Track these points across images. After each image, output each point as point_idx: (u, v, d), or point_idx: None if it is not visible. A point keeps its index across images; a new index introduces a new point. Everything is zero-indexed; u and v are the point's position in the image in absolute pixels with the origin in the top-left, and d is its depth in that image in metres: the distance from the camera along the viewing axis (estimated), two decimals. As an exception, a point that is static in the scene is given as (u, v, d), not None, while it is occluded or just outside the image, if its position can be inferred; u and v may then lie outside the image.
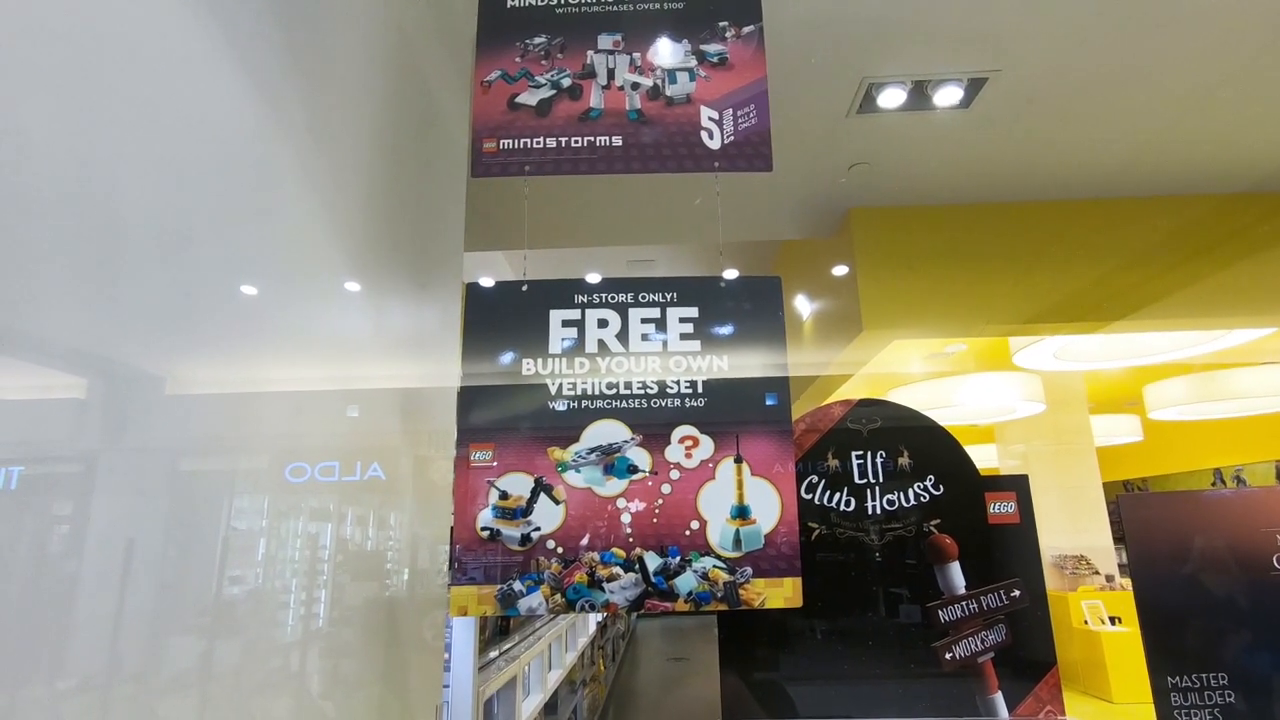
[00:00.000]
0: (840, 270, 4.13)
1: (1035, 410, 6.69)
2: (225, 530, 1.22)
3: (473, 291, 1.54)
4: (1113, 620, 6.50)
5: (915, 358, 6.15)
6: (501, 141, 1.60)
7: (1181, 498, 1.79)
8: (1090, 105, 3.08)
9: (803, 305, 5.00)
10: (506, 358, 1.49)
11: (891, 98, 2.95)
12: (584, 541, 1.39)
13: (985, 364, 6.28)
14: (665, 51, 1.66)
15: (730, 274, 1.63)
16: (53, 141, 0.91)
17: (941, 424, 1.74)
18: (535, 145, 1.59)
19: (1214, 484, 9.68)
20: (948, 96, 2.94)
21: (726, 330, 1.51)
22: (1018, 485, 1.67)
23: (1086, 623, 6.49)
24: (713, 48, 1.66)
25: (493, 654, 3.16)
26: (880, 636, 1.63)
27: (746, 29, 1.67)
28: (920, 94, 2.93)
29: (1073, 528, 7.20)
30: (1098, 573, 7.08)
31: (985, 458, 9.12)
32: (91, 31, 0.98)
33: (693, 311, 1.51)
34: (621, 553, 1.39)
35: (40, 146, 0.89)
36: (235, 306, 1.30)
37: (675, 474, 1.43)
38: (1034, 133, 3.28)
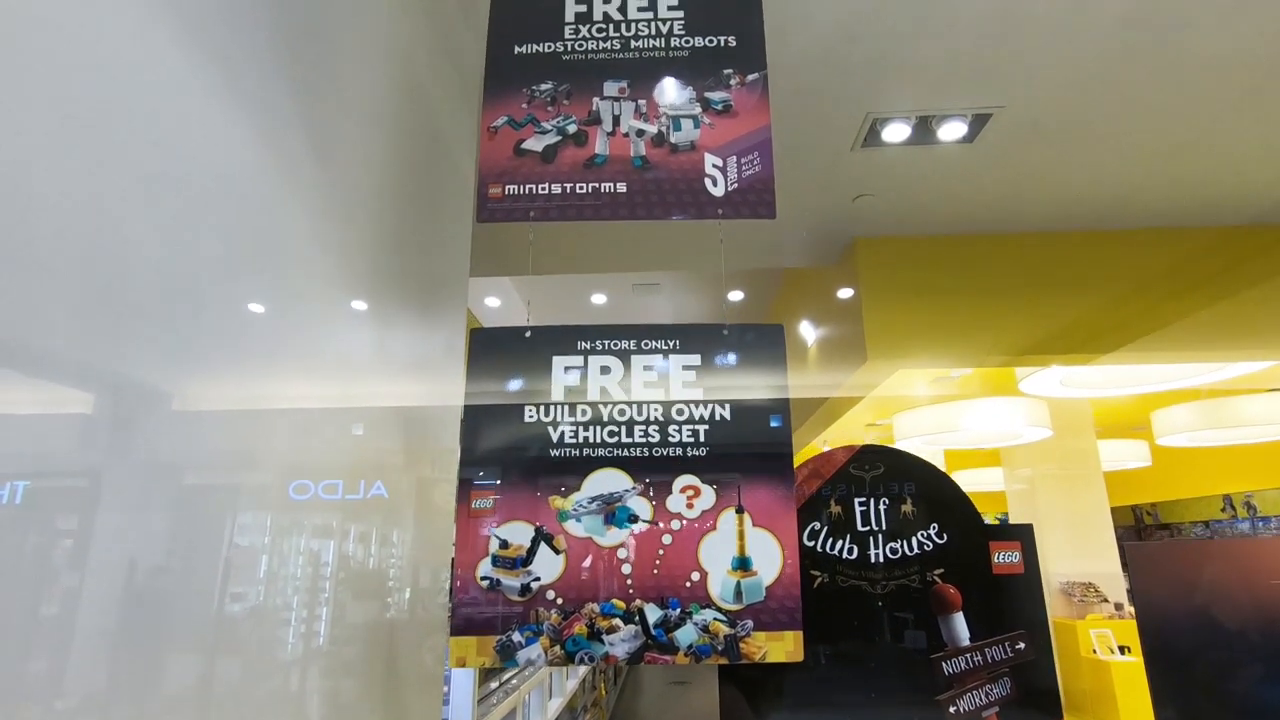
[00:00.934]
0: (845, 294, 4.13)
1: (1042, 435, 6.65)
2: (228, 547, 1.23)
3: (476, 337, 1.55)
4: (1122, 650, 6.41)
5: (920, 381, 6.13)
6: (507, 187, 1.61)
7: (1187, 546, 1.77)
8: (1092, 139, 3.08)
9: (807, 331, 5.00)
10: (509, 405, 1.49)
11: (896, 132, 2.96)
12: (584, 592, 1.39)
13: (991, 389, 6.25)
14: (670, 98, 1.67)
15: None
16: (60, 161, 0.93)
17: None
18: (540, 191, 1.60)
19: (1224, 509, 9.57)
20: (952, 131, 2.95)
21: (729, 379, 1.51)
22: (1022, 535, 1.66)
23: (1095, 652, 6.40)
24: (717, 95, 1.67)
25: (493, 685, 3.13)
26: (882, 686, 1.61)
27: (751, 77, 1.69)
28: (924, 129, 2.95)
29: (1080, 554, 7.12)
30: (1106, 600, 6.99)
31: (992, 481, 9.05)
32: (102, 65, 1.00)
33: (695, 359, 1.52)
34: (621, 604, 1.38)
35: (48, 167, 0.91)
36: (242, 326, 1.31)
37: (676, 524, 1.42)
38: (1037, 165, 3.29)
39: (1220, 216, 3.75)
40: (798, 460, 1.60)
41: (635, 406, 1.48)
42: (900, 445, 7.21)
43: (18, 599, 0.84)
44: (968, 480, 9.78)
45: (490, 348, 1.54)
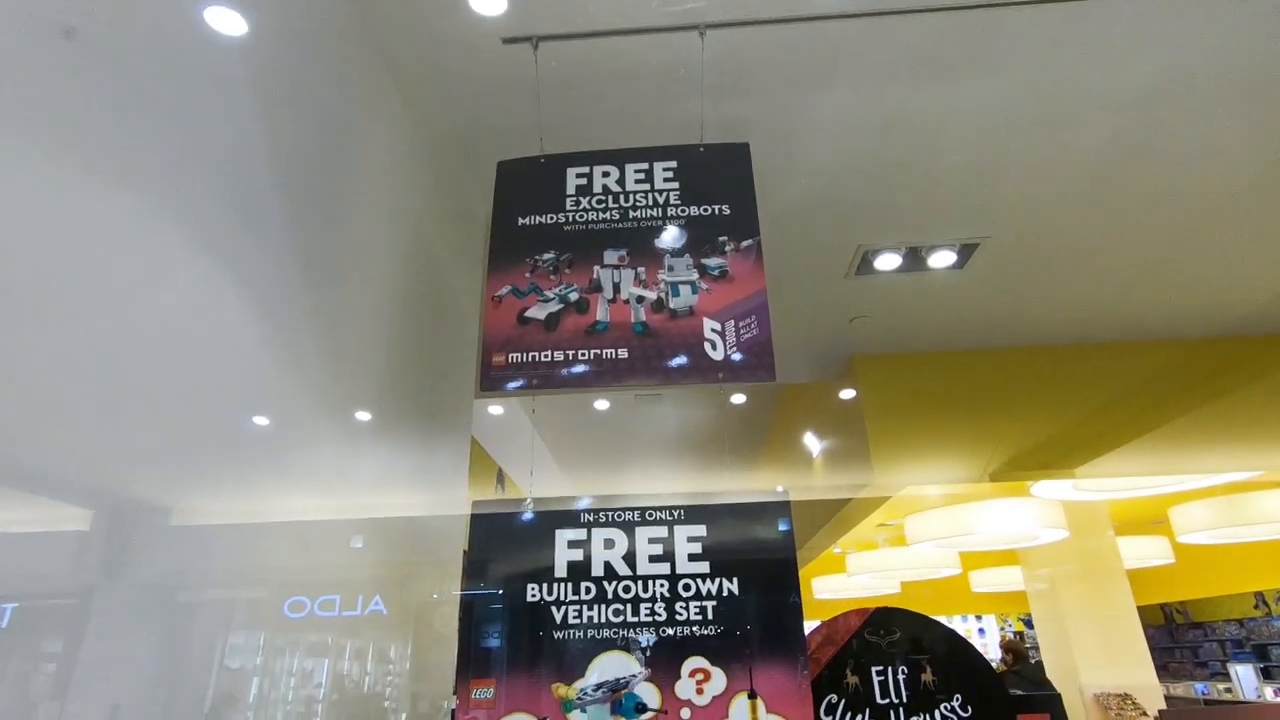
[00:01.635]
0: (846, 396, 4.14)
1: (1058, 536, 6.46)
2: (218, 669, 1.17)
3: (478, 511, 1.53)
4: (1169, 772, 5.94)
5: (930, 484, 6.02)
6: (510, 355, 1.65)
7: (1220, 712, 1.68)
8: (1074, 260, 3.18)
9: (811, 441, 4.97)
10: (510, 582, 1.46)
11: (887, 261, 3.06)
12: (590, 794, 1.30)
13: (1003, 490, 6.13)
14: (668, 265, 1.73)
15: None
16: (71, 310, 0.94)
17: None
18: (543, 358, 1.64)
19: (1255, 607, 9.16)
20: (941, 259, 3.05)
21: (735, 551, 1.48)
22: (1051, 706, 1.57)
23: (1140, 775, 5.94)
24: (714, 261, 1.73)
25: None
26: None
27: (745, 242, 1.76)
28: (915, 258, 3.04)
29: (1111, 660, 6.76)
30: (1145, 714, 6.56)
31: (1011, 580, 8.71)
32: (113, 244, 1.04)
33: (700, 530, 1.49)
34: (630, 807, 1.30)
35: (63, 311, 0.93)
36: (243, 445, 1.30)
37: (686, 713, 1.35)
38: (1025, 286, 3.38)
39: (1192, 329, 3.85)
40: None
41: (640, 583, 1.45)
42: (913, 548, 6.99)
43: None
44: (985, 581, 9.42)
45: (492, 520, 1.53)
